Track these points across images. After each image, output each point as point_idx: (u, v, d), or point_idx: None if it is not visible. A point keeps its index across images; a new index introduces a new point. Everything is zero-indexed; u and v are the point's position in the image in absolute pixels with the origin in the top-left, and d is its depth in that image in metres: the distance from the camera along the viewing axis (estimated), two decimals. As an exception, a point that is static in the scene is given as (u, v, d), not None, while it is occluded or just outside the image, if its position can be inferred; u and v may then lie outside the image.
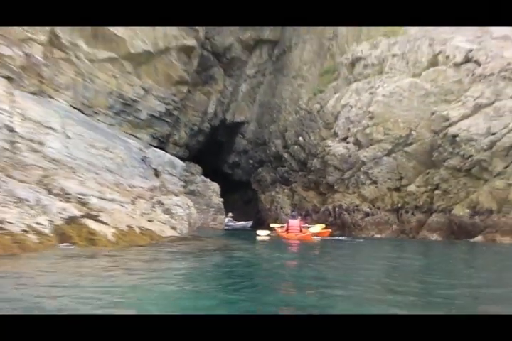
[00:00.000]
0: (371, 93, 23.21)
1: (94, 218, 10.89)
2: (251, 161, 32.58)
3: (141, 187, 16.53)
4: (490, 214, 18.87)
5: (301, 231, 17.96)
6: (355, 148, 23.27)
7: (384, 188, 22.33)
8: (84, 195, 11.94)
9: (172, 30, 22.15)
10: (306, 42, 29.69)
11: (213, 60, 29.95)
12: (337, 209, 23.64)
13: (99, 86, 19.35)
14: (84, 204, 11.61)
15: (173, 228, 15.11)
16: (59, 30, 17.23)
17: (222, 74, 30.98)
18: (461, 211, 19.73)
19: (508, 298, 5.71)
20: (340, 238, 18.81)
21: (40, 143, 12.95)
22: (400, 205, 21.99)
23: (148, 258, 8.78)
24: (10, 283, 5.35)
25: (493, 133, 19.10)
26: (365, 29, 26.10)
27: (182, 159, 24.40)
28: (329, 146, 24.38)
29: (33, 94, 15.38)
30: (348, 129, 23.76)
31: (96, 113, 19.32)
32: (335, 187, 24.13)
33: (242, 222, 29.90)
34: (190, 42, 23.59)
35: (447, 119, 20.51)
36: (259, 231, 18.41)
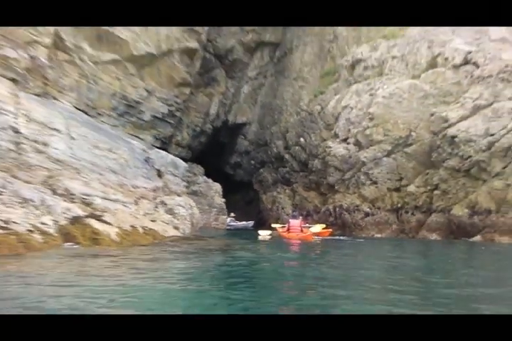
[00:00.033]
0: (371, 94, 23.20)
1: (98, 218, 10.91)
2: (252, 162, 32.58)
3: (144, 188, 16.54)
4: (488, 214, 18.85)
5: (302, 231, 17.95)
6: (356, 149, 23.25)
7: (384, 188, 22.32)
8: (88, 195, 11.96)
9: (175, 33, 22.17)
10: (307, 44, 29.70)
11: (215, 62, 29.97)
12: (338, 209, 23.62)
13: (102, 88, 19.38)
14: (88, 204, 11.62)
15: (176, 228, 15.11)
16: (63, 32, 17.27)
17: (224, 76, 31.00)
18: (460, 211, 19.71)
19: (506, 298, 5.70)
20: (341, 238, 18.80)
21: (45, 144, 12.97)
22: (399, 205, 21.97)
23: (152, 258, 8.78)
24: (15, 282, 5.35)
25: (492, 134, 19.09)
26: (365, 31, 26.10)
27: (184, 160, 24.43)
28: (330, 147, 24.38)
29: (38, 95, 15.40)
30: (349, 130, 23.75)
31: (100, 114, 19.35)
32: (335, 187, 24.12)
33: (244, 222, 29.90)
34: (193, 44, 23.61)
35: (446, 120, 20.50)
36: (260, 231, 18.42)
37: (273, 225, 21.68)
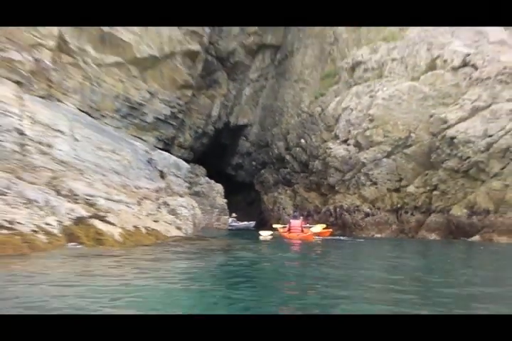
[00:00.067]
0: (371, 96, 23.19)
1: (102, 218, 10.92)
2: (254, 163, 32.59)
3: (147, 189, 16.56)
4: (487, 214, 18.82)
5: (302, 231, 17.94)
6: (356, 150, 23.24)
7: (384, 189, 22.30)
8: (91, 196, 11.97)
9: (177, 35, 22.21)
10: (308, 47, 29.70)
11: (217, 65, 29.98)
12: (338, 209, 23.62)
13: (106, 90, 19.41)
14: (91, 205, 11.63)
15: (178, 228, 15.12)
16: (67, 35, 17.30)
17: (226, 78, 31.01)
18: (459, 211, 19.69)
19: (505, 297, 5.69)
20: (341, 238, 18.78)
21: (49, 146, 12.98)
22: (399, 206, 21.95)
23: (154, 258, 8.78)
24: (19, 282, 5.36)
25: (490, 136, 19.07)
26: (365, 34, 26.10)
27: (187, 161, 24.45)
28: (330, 148, 24.38)
29: (42, 97, 15.42)
30: (349, 132, 23.74)
31: (103, 116, 19.38)
32: (336, 188, 24.11)
33: (246, 222, 29.90)
34: (195, 47, 23.63)
35: (445, 122, 20.48)
36: (261, 232, 18.40)
37: (274, 226, 21.69)
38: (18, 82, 14.21)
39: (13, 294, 4.70)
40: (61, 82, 17.10)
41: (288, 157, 28.18)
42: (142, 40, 20.32)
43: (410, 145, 21.74)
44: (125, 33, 19.42)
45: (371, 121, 22.58)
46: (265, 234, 17.93)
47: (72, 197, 11.38)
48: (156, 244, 11.52)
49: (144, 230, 12.17)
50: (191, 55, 23.70)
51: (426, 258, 12.37)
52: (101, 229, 10.39)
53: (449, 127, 20.29)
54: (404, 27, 23.88)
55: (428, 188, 21.18)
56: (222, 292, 5.46)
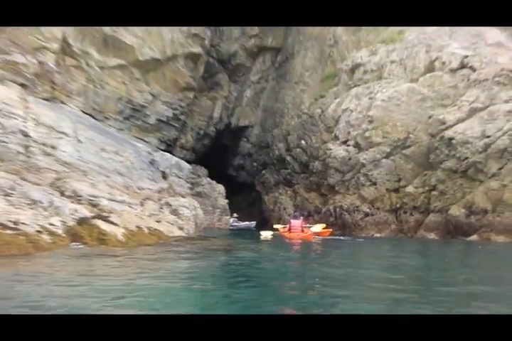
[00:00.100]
0: (370, 98, 23.17)
1: (105, 219, 10.92)
2: (255, 164, 32.58)
3: (150, 189, 16.56)
4: (485, 213, 18.80)
5: (302, 231, 17.93)
6: (355, 151, 23.23)
7: (383, 189, 22.28)
8: (95, 196, 11.98)
9: (179, 38, 22.24)
10: (308, 49, 29.68)
11: (219, 67, 30.00)
12: (338, 209, 23.59)
13: (109, 92, 19.43)
14: (95, 205, 11.64)
15: (181, 228, 15.12)
16: (71, 38, 17.32)
17: (227, 81, 31.03)
18: (457, 211, 19.67)
19: (504, 296, 5.69)
20: (341, 237, 18.76)
21: (53, 147, 13.00)
22: (398, 206, 21.93)
23: (157, 258, 8.78)
24: (23, 282, 5.36)
25: (488, 136, 19.05)
26: (364, 36, 26.09)
27: (189, 162, 24.45)
28: (330, 149, 24.36)
29: (46, 100, 15.45)
30: (349, 133, 23.73)
31: (106, 118, 19.40)
32: (336, 188, 24.09)
33: (247, 222, 29.88)
34: (197, 49, 23.66)
35: (444, 123, 20.47)
36: (262, 232, 18.38)
37: (275, 226, 21.66)
38: (22, 85, 14.24)
39: (18, 293, 4.71)
40: (65, 85, 17.12)
41: (288, 158, 28.16)
42: (145, 42, 20.35)
43: (409, 146, 21.72)
44: (128, 36, 19.45)
45: (370, 122, 22.58)
46: (266, 234, 17.91)
47: (76, 197, 11.39)
48: (159, 244, 11.51)
49: (146, 230, 12.17)
50: (193, 58, 23.72)
51: (425, 257, 12.36)
52: (104, 230, 10.39)
53: (447, 128, 20.28)
54: (403, 29, 23.87)
55: (427, 188, 21.17)
56: (223, 291, 5.47)
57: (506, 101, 19.27)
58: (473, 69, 20.60)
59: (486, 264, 10.67)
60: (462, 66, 21.00)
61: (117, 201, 12.82)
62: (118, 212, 11.90)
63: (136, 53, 20.04)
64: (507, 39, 21.19)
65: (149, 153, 19.56)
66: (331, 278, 6.90)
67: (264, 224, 27.19)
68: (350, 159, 23.37)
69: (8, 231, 8.09)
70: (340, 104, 24.91)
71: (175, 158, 21.91)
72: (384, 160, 22.18)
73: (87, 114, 17.86)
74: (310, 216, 24.63)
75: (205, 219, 20.97)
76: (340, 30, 27.29)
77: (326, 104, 26.14)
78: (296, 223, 18.12)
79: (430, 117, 21.16)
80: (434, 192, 20.86)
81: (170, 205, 16.27)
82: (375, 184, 22.42)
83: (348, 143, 23.78)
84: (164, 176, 19.20)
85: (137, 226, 11.86)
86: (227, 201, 27.12)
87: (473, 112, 19.82)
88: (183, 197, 18.38)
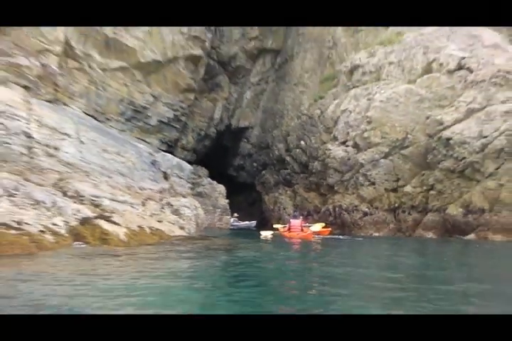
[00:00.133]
0: (369, 99, 23.16)
1: (107, 219, 10.92)
2: (255, 164, 32.58)
3: (151, 190, 16.56)
4: (482, 213, 18.77)
5: (302, 230, 17.92)
6: (354, 151, 23.22)
7: (381, 189, 22.26)
8: (97, 197, 11.98)
9: (180, 41, 22.24)
10: (307, 51, 29.68)
11: (219, 69, 30.00)
12: (337, 209, 23.58)
13: (111, 94, 19.42)
14: (97, 205, 11.64)
15: (182, 228, 15.12)
16: (73, 41, 17.32)
17: (228, 82, 31.03)
18: (454, 210, 19.65)
19: (502, 294, 5.68)
20: (340, 237, 18.72)
21: (56, 148, 13.00)
22: (396, 205, 21.91)
23: (158, 257, 8.78)
24: (26, 281, 5.35)
25: (485, 137, 19.03)
26: (362, 38, 26.10)
27: (189, 162, 24.44)
28: (329, 149, 24.35)
29: (49, 101, 15.44)
30: (347, 133, 23.72)
31: (108, 119, 19.39)
32: (335, 188, 24.07)
33: (247, 222, 29.85)
34: (197, 51, 23.65)
35: (441, 123, 20.46)
36: (262, 232, 18.35)
37: (275, 226, 21.62)
38: (25, 87, 14.23)
39: (21, 292, 4.70)
40: (67, 87, 17.12)
41: (288, 158, 28.15)
42: (146, 45, 20.35)
43: (407, 147, 21.71)
44: (129, 39, 19.45)
45: (369, 123, 22.57)
46: (266, 234, 17.89)
47: (78, 198, 11.39)
48: (160, 244, 11.50)
49: (148, 230, 12.17)
50: (194, 60, 23.72)
51: (423, 256, 12.34)
52: (106, 229, 10.39)
53: (444, 128, 20.26)
54: (401, 31, 23.89)
55: (425, 188, 21.15)
56: (224, 290, 5.46)
57: (503, 102, 19.25)
58: (471, 71, 20.59)
59: (484, 263, 10.66)
60: (459, 67, 20.99)
61: (119, 201, 12.82)
62: (120, 212, 11.89)
63: (138, 55, 20.04)
64: (503, 41, 21.20)
65: (151, 154, 19.56)
66: (330, 277, 6.90)
67: (265, 223, 27.17)
68: (349, 159, 23.36)
69: (12, 231, 8.09)
70: (339, 105, 24.90)
71: (176, 159, 21.91)
72: (382, 161, 22.17)
73: (89, 115, 17.86)
74: (309, 215, 24.61)
75: (206, 219, 20.96)
76: (339, 32, 27.31)
77: (325, 105, 26.14)
78: (296, 222, 18.11)
79: (428, 118, 21.15)
80: (432, 192, 20.84)
81: (171, 205, 16.27)
82: (373, 184, 22.41)
83: (347, 143, 23.77)
84: (165, 176, 19.19)
85: (139, 226, 11.85)
86: (227, 201, 27.12)
87: (470, 113, 19.81)
88: (184, 197, 18.37)
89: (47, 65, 15.52)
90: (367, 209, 22.51)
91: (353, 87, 24.89)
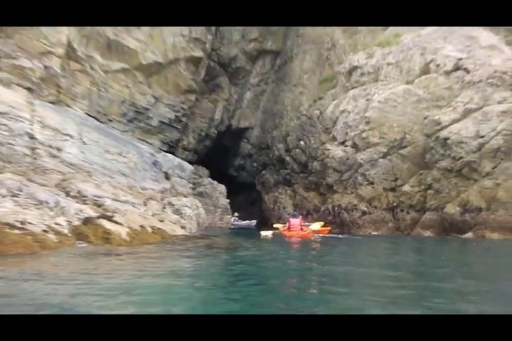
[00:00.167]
0: (367, 99, 23.16)
1: (109, 218, 10.90)
2: (255, 164, 32.59)
3: (153, 190, 16.55)
4: (479, 211, 18.77)
5: (301, 229, 17.89)
6: (353, 151, 23.22)
7: (380, 188, 22.26)
8: (99, 197, 11.96)
9: (180, 42, 22.23)
10: (306, 52, 29.68)
11: (219, 70, 30.00)
12: (336, 208, 23.57)
13: (113, 95, 19.40)
14: (99, 205, 11.62)
15: (183, 227, 15.11)
16: (75, 43, 17.29)
17: (228, 83, 31.03)
18: (452, 209, 19.64)
19: (500, 292, 5.66)
20: (340, 236, 18.69)
21: (59, 149, 12.98)
22: (395, 204, 21.91)
23: (159, 256, 8.76)
24: (29, 280, 5.33)
25: (482, 136, 19.02)
26: (361, 39, 26.11)
27: (190, 163, 24.44)
28: (328, 150, 24.35)
29: (52, 103, 15.41)
30: (346, 133, 23.71)
31: (110, 120, 19.37)
32: (334, 187, 24.07)
33: (247, 221, 29.87)
34: (198, 53, 23.63)
35: (439, 123, 20.45)
36: (262, 232, 18.32)
37: (275, 225, 21.59)
38: (28, 89, 14.21)
39: (24, 291, 4.69)
40: (70, 88, 17.09)
41: (288, 158, 28.15)
42: (147, 47, 20.33)
43: (405, 146, 21.71)
44: (131, 41, 19.43)
45: (367, 123, 22.57)
46: (266, 233, 17.86)
47: (81, 198, 11.37)
48: (162, 243, 11.48)
49: (149, 229, 12.15)
50: (194, 61, 23.70)
51: (421, 255, 12.32)
52: (109, 229, 10.36)
53: (442, 128, 20.26)
54: (399, 32, 23.89)
55: (423, 187, 21.15)
56: (224, 289, 5.44)
57: (499, 102, 19.24)
58: (468, 71, 20.58)
59: (481, 261, 10.64)
60: (457, 68, 20.99)
61: (121, 201, 12.81)
62: (122, 212, 11.88)
63: (139, 57, 20.02)
64: (500, 42, 21.18)
65: (152, 154, 19.54)
66: (331, 276, 6.88)
67: (265, 223, 27.18)
68: (348, 159, 23.36)
69: (16, 231, 8.07)
70: (338, 106, 24.90)
71: (177, 159, 21.90)
72: (381, 160, 22.16)
73: (91, 116, 17.83)
74: (309, 215, 24.60)
75: (206, 219, 20.96)
76: (337, 33, 27.31)
77: (324, 105, 26.14)
78: (295, 221, 18.08)
79: (426, 118, 21.15)
80: (429, 191, 20.85)
81: (172, 205, 16.26)
82: (372, 183, 22.41)
83: (345, 143, 23.77)
84: (167, 177, 19.18)
85: (141, 226, 11.84)
86: (228, 200, 27.13)
87: (467, 113, 19.80)
88: (185, 196, 18.37)
89: (50, 67, 15.49)
90: (366, 209, 22.50)
91: (352, 88, 24.89)
